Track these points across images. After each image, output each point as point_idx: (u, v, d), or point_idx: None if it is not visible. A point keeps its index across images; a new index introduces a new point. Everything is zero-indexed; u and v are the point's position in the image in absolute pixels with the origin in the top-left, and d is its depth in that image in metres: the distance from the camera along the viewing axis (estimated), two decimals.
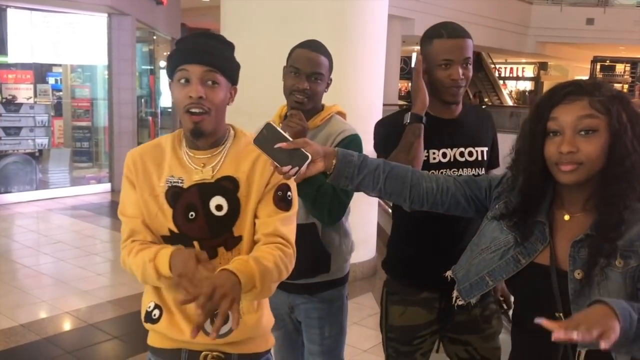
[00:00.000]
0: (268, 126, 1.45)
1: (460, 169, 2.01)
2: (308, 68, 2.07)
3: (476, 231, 1.71)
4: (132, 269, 1.63)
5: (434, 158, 1.99)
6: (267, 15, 4.79)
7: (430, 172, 1.92)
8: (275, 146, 1.42)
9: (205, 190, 1.63)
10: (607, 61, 22.20)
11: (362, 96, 4.83)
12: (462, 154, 2.02)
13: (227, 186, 1.64)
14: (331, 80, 2.17)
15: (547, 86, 26.54)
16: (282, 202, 1.67)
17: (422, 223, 2.02)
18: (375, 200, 5.26)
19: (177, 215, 1.63)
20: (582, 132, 1.36)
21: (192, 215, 1.63)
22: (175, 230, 1.64)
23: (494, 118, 2.26)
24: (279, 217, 1.64)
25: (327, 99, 2.25)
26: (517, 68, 28.48)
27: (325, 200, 2.04)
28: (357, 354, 3.73)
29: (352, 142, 2.09)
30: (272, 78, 4.80)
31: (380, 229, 5.88)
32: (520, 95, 27.42)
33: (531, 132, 1.44)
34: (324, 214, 2.08)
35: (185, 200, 1.63)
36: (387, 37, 5.40)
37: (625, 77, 22.25)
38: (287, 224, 1.67)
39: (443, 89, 1.96)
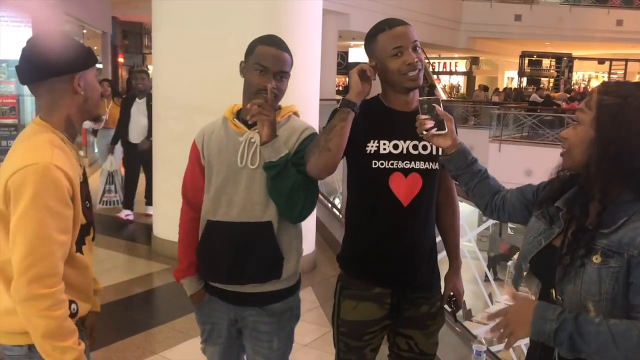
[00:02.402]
0: (437, 99, 1.82)
1: (413, 162, 2.00)
2: (275, 67, 1.96)
3: (429, 232, 2.02)
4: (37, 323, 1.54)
5: (384, 149, 1.99)
6: (199, 10, 4.71)
7: (380, 162, 1.97)
8: (437, 108, 1.80)
9: (86, 178, 1.77)
10: (535, 56, 23.01)
11: (297, 91, 4.78)
12: (415, 147, 2.01)
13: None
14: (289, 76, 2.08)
15: (478, 80, 27.29)
16: None
17: (375, 219, 2.04)
18: None
19: (83, 207, 1.69)
20: (574, 122, 1.54)
21: (87, 204, 1.75)
22: (84, 221, 1.70)
23: None
24: None
25: None
26: (450, 63, 29.15)
27: (300, 195, 1.95)
28: (297, 349, 3.71)
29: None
30: (204, 73, 4.77)
31: (319, 224, 5.90)
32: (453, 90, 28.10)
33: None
34: (297, 209, 1.98)
35: (85, 191, 1.73)
36: (323, 33, 5.40)
37: (551, 71, 23.15)
38: None
39: (401, 77, 1.95)
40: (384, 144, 2.00)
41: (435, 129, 1.79)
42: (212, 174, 2.03)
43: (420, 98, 1.83)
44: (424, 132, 1.79)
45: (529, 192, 1.79)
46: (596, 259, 1.42)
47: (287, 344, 2.17)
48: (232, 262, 2.00)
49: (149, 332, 3.93)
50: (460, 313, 2.22)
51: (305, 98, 4.96)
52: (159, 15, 5.13)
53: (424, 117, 1.80)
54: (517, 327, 1.40)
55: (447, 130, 1.80)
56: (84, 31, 11.32)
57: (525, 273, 1.64)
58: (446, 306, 2.22)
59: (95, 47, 12.89)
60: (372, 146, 2.00)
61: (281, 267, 2.03)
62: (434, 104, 1.81)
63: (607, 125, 1.43)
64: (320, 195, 5.90)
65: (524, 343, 3.56)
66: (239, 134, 2.00)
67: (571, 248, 1.48)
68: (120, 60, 18.32)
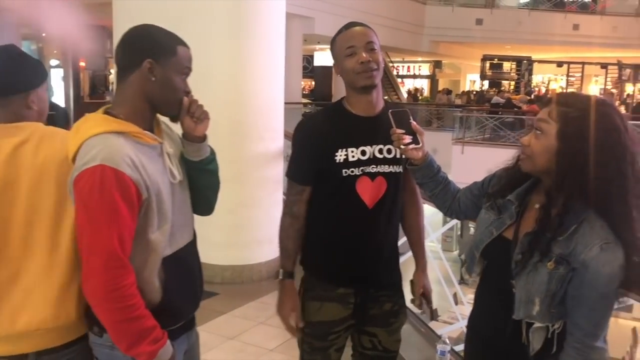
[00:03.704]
0: (406, 111, 1.92)
1: (379, 166, 2.03)
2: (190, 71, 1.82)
3: (392, 232, 2.09)
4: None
5: (353, 156, 2.00)
6: (161, 13, 4.65)
7: (350, 169, 1.99)
8: (412, 123, 1.89)
9: None
10: (496, 59, 23.39)
11: (261, 94, 4.81)
12: (380, 151, 2.04)
13: None
14: None
15: (441, 84, 27.64)
16: None
17: (339, 221, 2.05)
18: (279, 199, 5.25)
19: None
20: (536, 131, 1.60)
21: None
22: None
23: None
24: None
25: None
26: (414, 66, 29.45)
27: (218, 187, 1.91)
28: (263, 354, 3.72)
29: None
30: None
31: None
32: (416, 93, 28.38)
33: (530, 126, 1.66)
34: (215, 201, 1.93)
35: None
36: (288, 36, 5.42)
37: (512, 74, 23.57)
38: None
39: (355, 76, 1.97)
40: (352, 152, 2.01)
41: (413, 144, 1.88)
42: (162, 204, 1.64)
43: (391, 110, 1.90)
44: (402, 147, 1.87)
45: (475, 188, 1.92)
46: (550, 265, 1.56)
47: None
48: (200, 282, 1.86)
49: None
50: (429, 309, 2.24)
51: (270, 101, 4.95)
52: (119, 19, 5.06)
53: (400, 131, 1.87)
54: None
55: (421, 144, 1.90)
56: (44, 34, 11.09)
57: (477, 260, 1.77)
58: (417, 307, 2.25)
59: (55, 51, 12.65)
60: (340, 155, 2.00)
61: None
62: (407, 119, 1.90)
63: (572, 137, 1.53)
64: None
65: None
66: (153, 146, 1.67)
67: (527, 250, 1.60)
68: (82, 64, 17.99)
